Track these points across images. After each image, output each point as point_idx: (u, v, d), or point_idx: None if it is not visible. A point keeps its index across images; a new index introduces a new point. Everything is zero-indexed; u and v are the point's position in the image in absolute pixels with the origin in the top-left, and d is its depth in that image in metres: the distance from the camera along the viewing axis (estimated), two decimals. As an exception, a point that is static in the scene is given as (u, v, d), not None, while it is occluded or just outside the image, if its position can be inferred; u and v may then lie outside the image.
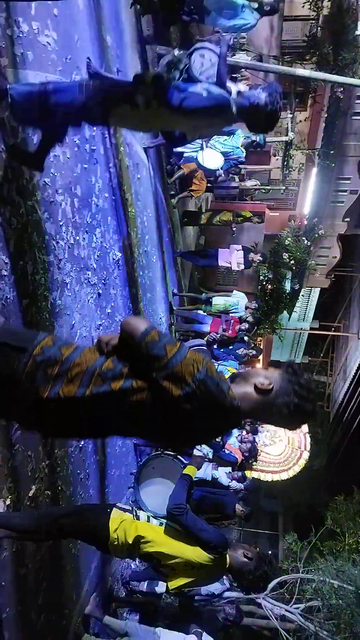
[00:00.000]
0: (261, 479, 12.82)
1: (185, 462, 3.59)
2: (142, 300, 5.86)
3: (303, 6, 6.82)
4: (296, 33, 8.97)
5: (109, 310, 4.42)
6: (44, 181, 3.01)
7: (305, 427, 14.38)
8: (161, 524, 2.47)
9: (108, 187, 4.29)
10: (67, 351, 1.62)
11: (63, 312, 3.40)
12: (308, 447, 13.64)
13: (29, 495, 2.94)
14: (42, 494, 3.12)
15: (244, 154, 6.51)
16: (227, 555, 2.43)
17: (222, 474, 6.56)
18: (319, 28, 7.53)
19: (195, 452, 3.15)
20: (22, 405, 1.59)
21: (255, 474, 12.12)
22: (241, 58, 6.87)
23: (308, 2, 6.60)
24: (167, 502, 2.48)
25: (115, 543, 2.35)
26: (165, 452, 4.03)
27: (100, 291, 4.17)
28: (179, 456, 3.91)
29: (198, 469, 2.79)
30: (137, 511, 2.50)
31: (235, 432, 6.74)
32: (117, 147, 4.62)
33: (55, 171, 3.17)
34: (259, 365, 14.71)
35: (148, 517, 2.49)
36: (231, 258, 7.94)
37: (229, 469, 6.81)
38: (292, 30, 9.12)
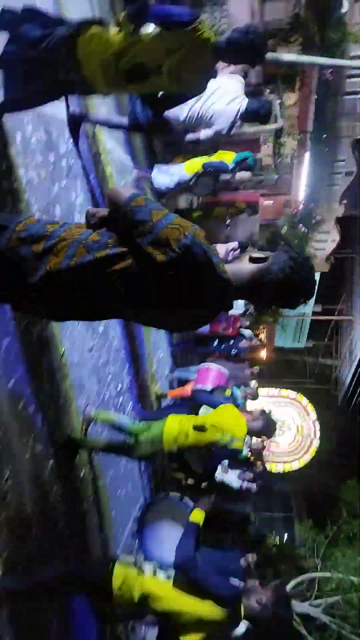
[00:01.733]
0: (272, 471, 12.74)
1: (191, 505, 3.39)
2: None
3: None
4: (279, 14, 8.60)
5: (102, 329, 4.23)
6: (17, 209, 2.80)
7: (313, 415, 14.28)
8: (169, 576, 2.31)
9: (90, 201, 4.07)
10: (52, 227, 1.59)
11: (51, 342, 3.22)
12: (318, 434, 13.54)
13: (25, 554, 2.79)
14: (43, 536, 2.98)
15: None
16: (242, 606, 2.28)
17: (233, 477, 6.42)
18: (302, 8, 7.20)
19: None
20: (10, 284, 1.57)
21: (265, 465, 12.04)
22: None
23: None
24: (174, 549, 2.32)
25: (121, 601, 2.20)
26: (171, 493, 3.85)
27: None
28: (185, 497, 3.72)
29: (206, 511, 2.62)
30: (142, 563, 2.33)
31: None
32: (97, 156, 4.39)
33: (29, 195, 2.97)
34: (264, 355, 14.56)
35: (154, 570, 2.32)
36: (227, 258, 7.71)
37: (239, 470, 6.67)
38: (274, 11, 8.74)
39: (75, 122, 3.83)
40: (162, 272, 1.46)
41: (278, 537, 13.23)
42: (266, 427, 3.98)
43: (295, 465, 13.28)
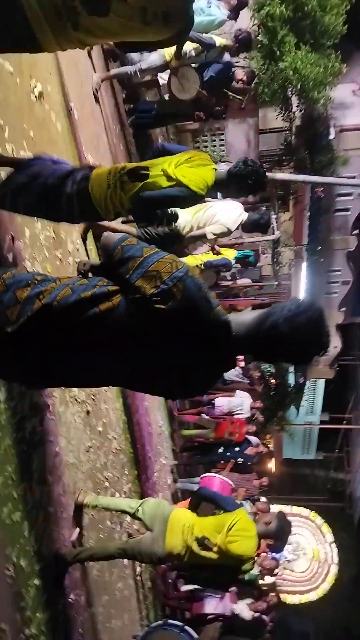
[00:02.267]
0: (287, 602, 11.29)
1: (195, 636, 2.92)
2: (138, 409, 5.45)
3: (276, 118, 7.32)
4: (272, 144, 9.58)
5: (101, 428, 4.00)
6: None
7: (329, 536, 13.05)
8: None
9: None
10: (41, 277, 1.49)
11: (45, 439, 2.99)
12: (336, 559, 12.24)
13: None
14: None
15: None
16: None
17: (243, 607, 5.65)
18: (293, 137, 8.04)
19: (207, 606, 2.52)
20: None
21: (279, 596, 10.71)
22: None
23: (281, 114, 7.10)
24: None
25: None
26: (170, 621, 3.34)
27: (89, 408, 3.79)
28: (186, 628, 3.21)
29: None
30: None
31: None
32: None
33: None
34: (272, 466, 13.78)
35: None
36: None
37: (250, 600, 5.89)
38: (268, 142, 9.75)
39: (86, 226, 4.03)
40: (152, 308, 1.33)
41: None
42: (279, 530, 3.55)
43: (313, 596, 11.80)
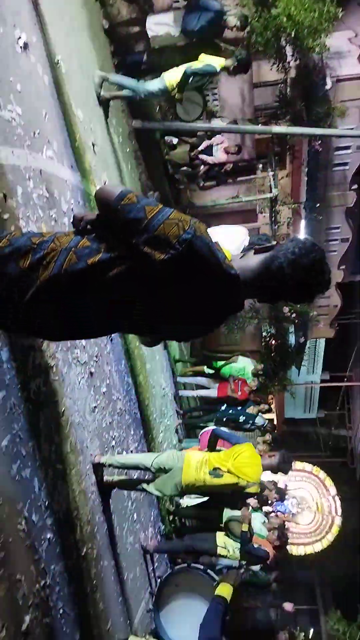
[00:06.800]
0: (293, 553, 11.70)
1: (216, 578, 3.02)
2: (141, 372, 5.48)
3: (271, 69, 7.05)
4: (267, 98, 9.26)
5: (104, 389, 4.02)
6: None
7: (332, 489, 13.40)
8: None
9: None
10: (38, 239, 1.46)
11: (50, 399, 3.01)
12: (339, 511, 12.60)
13: (22, 630, 2.41)
14: (39, 624, 2.58)
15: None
16: None
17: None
18: (288, 89, 7.76)
19: (227, 562, 2.63)
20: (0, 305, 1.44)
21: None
22: (216, 123, 6.98)
23: (275, 65, 6.82)
24: (196, 632, 1.96)
25: None
26: (193, 564, 3.47)
27: (93, 370, 3.80)
28: (209, 570, 3.33)
29: (234, 586, 2.28)
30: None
31: (260, 516, 6.03)
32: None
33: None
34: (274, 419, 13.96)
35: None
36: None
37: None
38: (263, 96, 9.43)
39: None
40: (162, 272, 1.33)
41: (303, 633, 11.90)
42: (282, 463, 4.02)
43: (318, 547, 12.21)
